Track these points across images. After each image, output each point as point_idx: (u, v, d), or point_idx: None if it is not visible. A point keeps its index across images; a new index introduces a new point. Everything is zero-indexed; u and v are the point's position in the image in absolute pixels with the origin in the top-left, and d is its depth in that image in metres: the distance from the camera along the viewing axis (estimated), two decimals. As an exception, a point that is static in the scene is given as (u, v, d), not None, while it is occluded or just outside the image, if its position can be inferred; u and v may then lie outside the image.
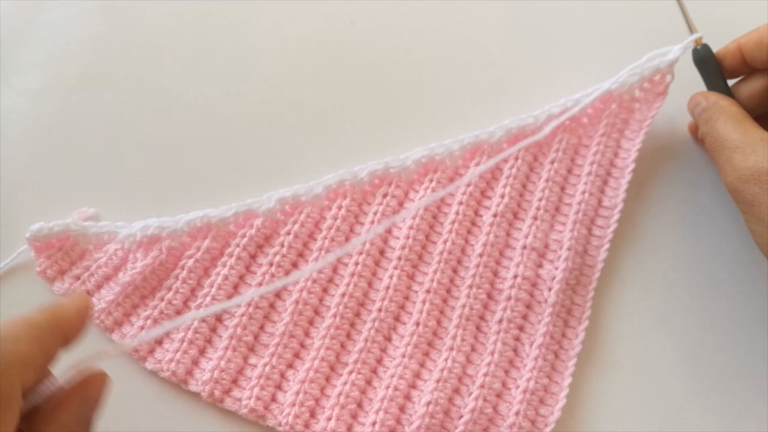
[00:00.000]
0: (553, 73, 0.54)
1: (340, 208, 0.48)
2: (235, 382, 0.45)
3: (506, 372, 0.45)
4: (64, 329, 0.34)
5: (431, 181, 0.49)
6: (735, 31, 0.48)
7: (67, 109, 0.54)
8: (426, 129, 0.52)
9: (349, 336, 0.46)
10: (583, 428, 0.45)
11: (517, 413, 0.44)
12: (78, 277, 0.47)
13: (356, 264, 0.47)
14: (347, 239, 0.48)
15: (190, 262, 0.47)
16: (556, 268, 0.47)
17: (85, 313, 0.35)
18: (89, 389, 0.35)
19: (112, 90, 0.54)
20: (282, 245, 0.47)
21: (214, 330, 0.46)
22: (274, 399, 0.45)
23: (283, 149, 0.52)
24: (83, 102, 0.54)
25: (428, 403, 0.44)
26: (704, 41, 0.49)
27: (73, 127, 0.53)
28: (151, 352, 0.45)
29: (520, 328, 0.46)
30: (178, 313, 0.46)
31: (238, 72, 0.55)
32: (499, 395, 0.45)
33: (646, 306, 0.47)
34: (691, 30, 0.50)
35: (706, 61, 0.49)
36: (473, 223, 0.48)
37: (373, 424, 0.43)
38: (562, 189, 0.49)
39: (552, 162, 0.49)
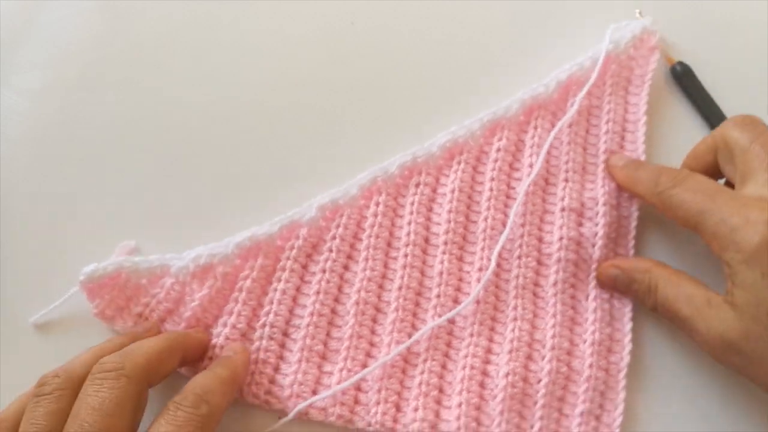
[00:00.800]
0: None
1: (377, 204, 0.49)
2: (314, 392, 0.45)
3: (570, 330, 0.47)
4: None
5: (459, 163, 0.50)
6: (733, 32, 0.51)
7: (67, 109, 0.53)
8: (426, 128, 0.52)
9: (414, 326, 0.47)
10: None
11: (590, 366, 0.45)
12: (140, 315, 0.46)
13: (405, 256, 0.48)
14: (391, 234, 0.49)
15: (247, 282, 0.46)
16: (596, 225, 0.48)
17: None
18: None
19: (112, 90, 0.54)
20: (330, 251, 0.48)
21: (283, 346, 0.46)
22: (357, 401, 0.45)
23: (282, 149, 0.52)
24: (83, 102, 0.53)
25: (507, 375, 0.45)
26: (703, 41, 0.52)
27: (73, 127, 0.53)
28: None
29: (574, 287, 0.48)
30: (244, 335, 0.46)
31: (237, 72, 0.54)
32: (569, 353, 0.46)
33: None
34: None
35: (684, 78, 0.52)
36: (508, 197, 0.50)
37: (459, 405, 0.44)
38: (585, 149, 0.51)
39: (570, 125, 0.51)
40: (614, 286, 0.47)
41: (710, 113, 0.52)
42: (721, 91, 0.52)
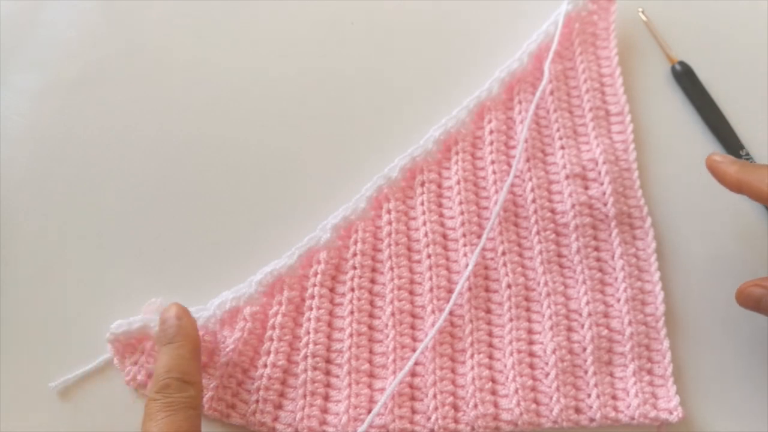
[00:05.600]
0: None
1: (389, 212, 0.45)
2: (370, 412, 0.41)
3: (602, 292, 0.44)
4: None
5: (457, 153, 0.47)
6: (733, 32, 0.49)
7: (67, 109, 0.50)
8: (427, 127, 0.49)
9: (453, 324, 0.43)
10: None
11: (629, 323, 0.43)
12: None
13: (429, 256, 0.44)
14: (408, 238, 0.45)
15: (278, 318, 0.42)
16: (602, 184, 0.46)
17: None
18: None
19: (112, 90, 0.50)
20: (354, 268, 0.44)
21: (329, 373, 0.42)
22: (414, 411, 0.42)
23: (284, 147, 0.49)
24: (83, 102, 0.50)
25: (554, 351, 0.42)
26: (703, 41, 0.49)
27: (73, 127, 0.49)
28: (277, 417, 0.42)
29: (597, 249, 0.45)
30: (286, 372, 0.42)
31: (238, 71, 0.51)
32: (606, 315, 0.44)
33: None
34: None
35: (684, 78, 0.49)
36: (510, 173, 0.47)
37: (516, 391, 0.42)
38: (571, 113, 0.48)
39: (551, 93, 0.48)
40: (757, 306, 0.40)
41: (710, 113, 0.48)
42: (721, 91, 0.49)
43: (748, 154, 0.47)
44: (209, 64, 0.51)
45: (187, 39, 0.52)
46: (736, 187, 0.40)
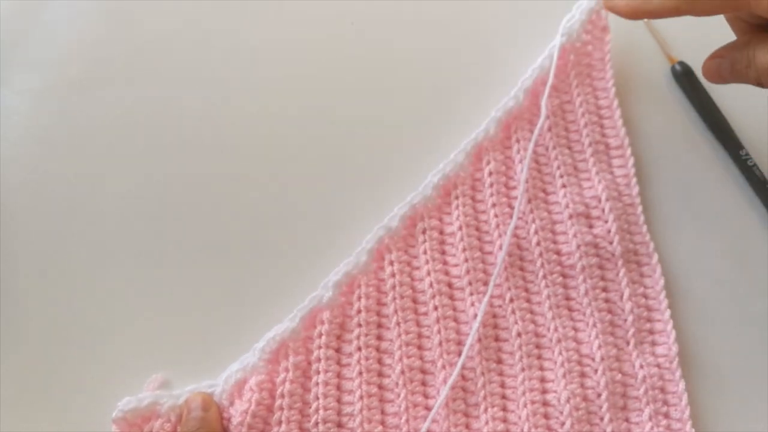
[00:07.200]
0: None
1: (391, 263, 0.44)
2: (386, 475, 0.40)
3: (612, 334, 0.43)
4: None
5: (456, 197, 0.45)
6: (728, 32, 0.46)
7: (67, 109, 0.50)
8: (428, 127, 0.48)
9: (464, 378, 0.42)
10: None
11: (641, 366, 0.42)
12: None
13: (435, 309, 0.43)
14: (413, 290, 0.44)
15: (287, 386, 0.40)
16: (606, 222, 0.44)
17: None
18: None
19: (112, 90, 0.50)
20: (359, 325, 0.42)
21: None
22: (429, 471, 0.40)
23: (285, 149, 0.48)
24: (83, 102, 0.50)
25: (569, 399, 0.41)
26: (703, 41, 0.47)
27: (73, 128, 0.49)
28: None
29: (605, 290, 0.44)
30: None
31: (238, 72, 0.50)
32: (618, 359, 0.42)
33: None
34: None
35: (684, 78, 0.48)
36: (513, 217, 0.45)
37: (532, 443, 0.40)
38: (570, 149, 0.47)
39: (549, 129, 0.47)
40: (720, 75, 0.40)
41: (710, 113, 0.48)
42: (721, 91, 0.48)
43: (747, 154, 0.46)
44: (209, 64, 0.50)
45: (187, 39, 0.51)
46: (632, 14, 0.40)
